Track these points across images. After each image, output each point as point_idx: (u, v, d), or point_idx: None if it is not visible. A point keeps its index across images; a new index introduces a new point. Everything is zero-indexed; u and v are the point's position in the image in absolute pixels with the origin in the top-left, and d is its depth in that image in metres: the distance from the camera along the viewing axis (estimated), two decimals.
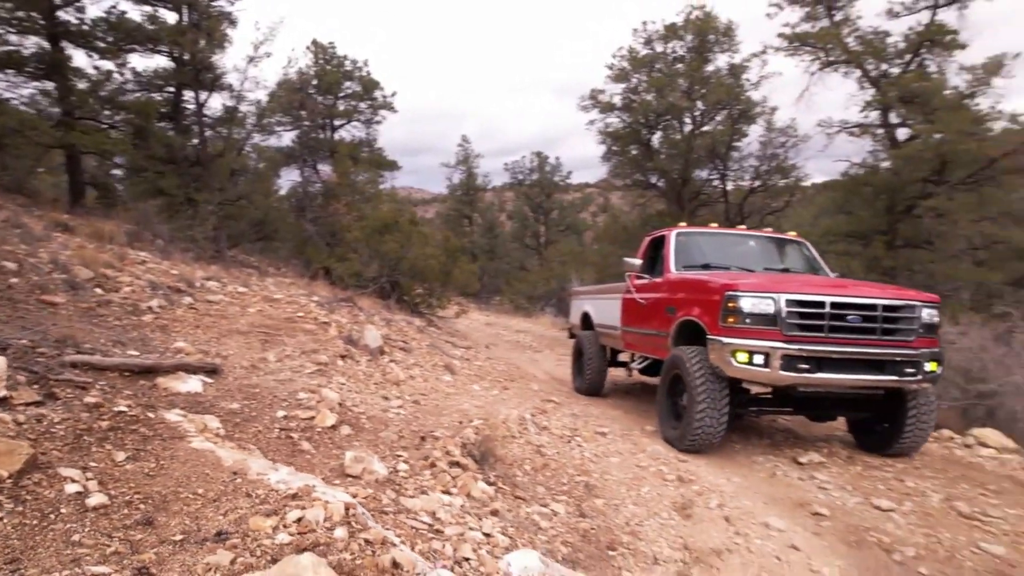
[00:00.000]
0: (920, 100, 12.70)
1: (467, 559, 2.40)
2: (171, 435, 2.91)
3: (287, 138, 23.75)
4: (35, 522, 1.93)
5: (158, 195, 16.79)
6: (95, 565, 1.78)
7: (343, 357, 6.26)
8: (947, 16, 14.23)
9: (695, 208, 21.78)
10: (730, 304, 5.33)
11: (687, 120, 20.41)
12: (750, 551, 3.71)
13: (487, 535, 2.85)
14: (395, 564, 2.01)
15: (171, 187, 15.95)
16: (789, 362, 5.14)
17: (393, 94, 25.64)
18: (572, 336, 10.73)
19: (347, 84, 25.14)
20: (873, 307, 5.34)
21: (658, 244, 7.70)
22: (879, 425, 6.12)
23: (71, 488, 2.14)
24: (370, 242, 15.33)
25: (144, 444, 2.72)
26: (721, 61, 20.03)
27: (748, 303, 5.26)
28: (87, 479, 2.24)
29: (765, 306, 5.24)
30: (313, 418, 3.98)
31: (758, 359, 5.19)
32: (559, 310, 24.88)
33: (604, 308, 8.91)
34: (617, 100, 21.08)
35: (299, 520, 2.10)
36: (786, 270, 7.09)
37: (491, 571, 2.37)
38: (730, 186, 20.35)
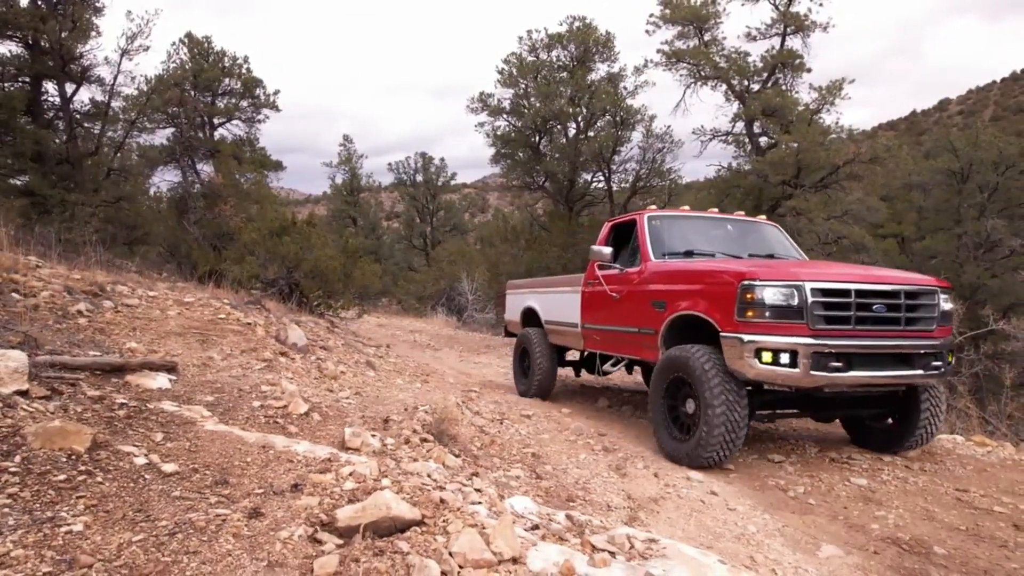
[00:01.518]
0: (778, 114, 14.40)
1: (479, 502, 2.85)
2: (183, 421, 3.12)
3: (163, 136, 22.53)
4: (131, 485, 2.17)
5: (22, 196, 15.49)
6: (211, 509, 2.07)
7: (282, 354, 6.42)
8: (795, 43, 16.18)
9: (581, 209, 23.03)
10: (748, 295, 4.59)
11: (573, 125, 21.59)
12: (680, 497, 4.41)
13: (478, 490, 3.32)
14: (442, 501, 2.44)
15: (40, 187, 14.79)
16: (819, 360, 4.47)
17: (276, 92, 24.99)
18: (509, 334, 9.92)
19: (227, 81, 24.19)
20: (896, 294, 4.82)
21: (623, 231, 6.98)
22: (881, 422, 5.74)
23: (140, 460, 2.37)
24: (267, 244, 15.04)
25: (167, 428, 2.93)
26: (602, 70, 21.39)
27: (770, 294, 4.55)
28: (146, 454, 2.46)
29: (789, 297, 4.55)
30: (287, 406, 4.23)
31: (784, 358, 4.50)
32: (450, 309, 25.29)
33: (556, 303, 8.04)
34: (506, 104, 21.91)
35: (351, 474, 2.46)
36: (771, 255, 6.38)
37: (500, 509, 2.84)
38: (614, 187, 21.75)
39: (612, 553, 2.55)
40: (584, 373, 8.76)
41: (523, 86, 21.38)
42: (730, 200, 15.79)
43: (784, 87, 17.31)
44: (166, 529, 1.99)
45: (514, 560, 2.26)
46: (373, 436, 3.71)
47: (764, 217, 7.46)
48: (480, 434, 5.48)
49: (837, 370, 4.52)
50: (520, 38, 21.47)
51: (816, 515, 4.30)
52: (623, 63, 21.26)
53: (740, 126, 17.57)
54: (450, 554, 2.20)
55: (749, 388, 5.04)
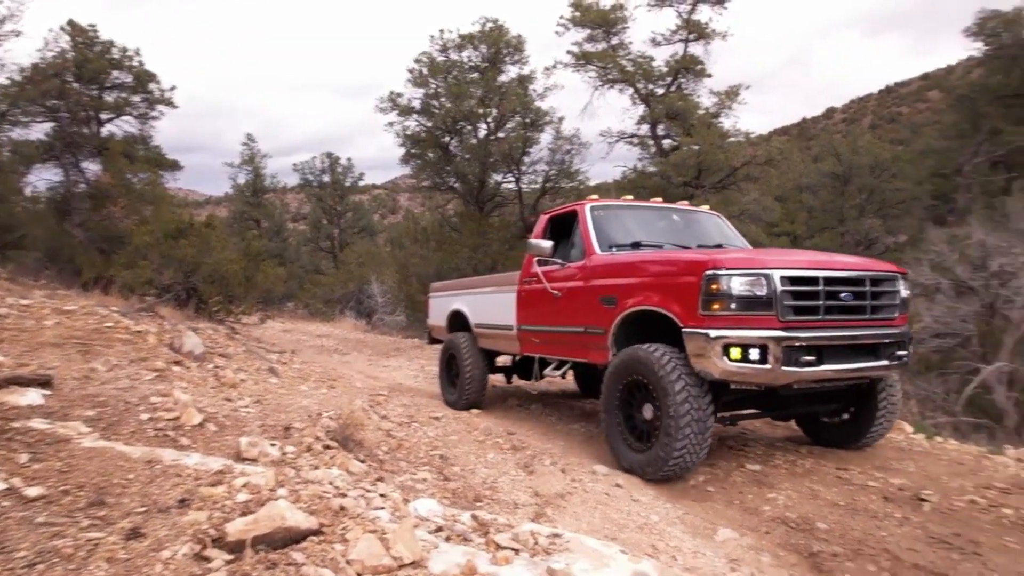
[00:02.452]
0: (681, 117, 15.00)
1: (381, 507, 2.79)
2: (54, 439, 2.88)
3: (41, 131, 20.80)
4: None
5: None
6: (82, 533, 1.91)
7: (176, 363, 6.07)
8: (697, 49, 16.91)
9: (491, 209, 23.13)
10: (713, 286, 4.21)
11: (483, 126, 21.64)
12: (586, 491, 4.50)
13: (383, 495, 3.25)
14: (342, 508, 2.37)
15: None
16: (790, 355, 4.17)
17: (172, 88, 23.62)
18: (434, 341, 9.22)
19: (116, 74, 22.64)
20: (862, 281, 4.63)
21: (562, 223, 6.45)
22: (836, 417, 5.54)
23: None
24: (162, 247, 14.21)
25: (35, 448, 2.69)
26: (513, 72, 21.56)
27: (738, 284, 4.20)
28: (6, 478, 2.25)
29: (757, 286, 4.21)
30: (179, 417, 4.00)
31: (754, 354, 4.16)
32: (359, 312, 24.76)
33: (487, 304, 7.44)
34: (416, 104, 21.70)
35: (245, 485, 2.35)
36: (719, 246, 6.04)
37: (404, 513, 2.79)
38: (524, 188, 21.97)
39: (516, 550, 2.56)
40: (517, 379, 8.23)
41: (434, 86, 21.24)
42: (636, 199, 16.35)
43: (686, 91, 18.10)
44: (24, 560, 1.81)
45: (415, 564, 2.23)
46: (272, 445, 3.57)
47: (708, 207, 7.10)
48: (387, 438, 5.39)
49: (809, 364, 4.22)
50: (432, 37, 21.33)
51: (714, 501, 4.50)
52: (533, 66, 21.50)
53: (645, 128, 18.22)
54: (347, 562, 2.14)
55: (724, 388, 4.74)
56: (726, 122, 16.75)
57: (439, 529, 2.73)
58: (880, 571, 3.42)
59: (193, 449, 3.50)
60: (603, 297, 5.25)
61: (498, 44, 20.83)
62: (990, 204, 15.32)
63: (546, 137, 20.95)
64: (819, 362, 4.28)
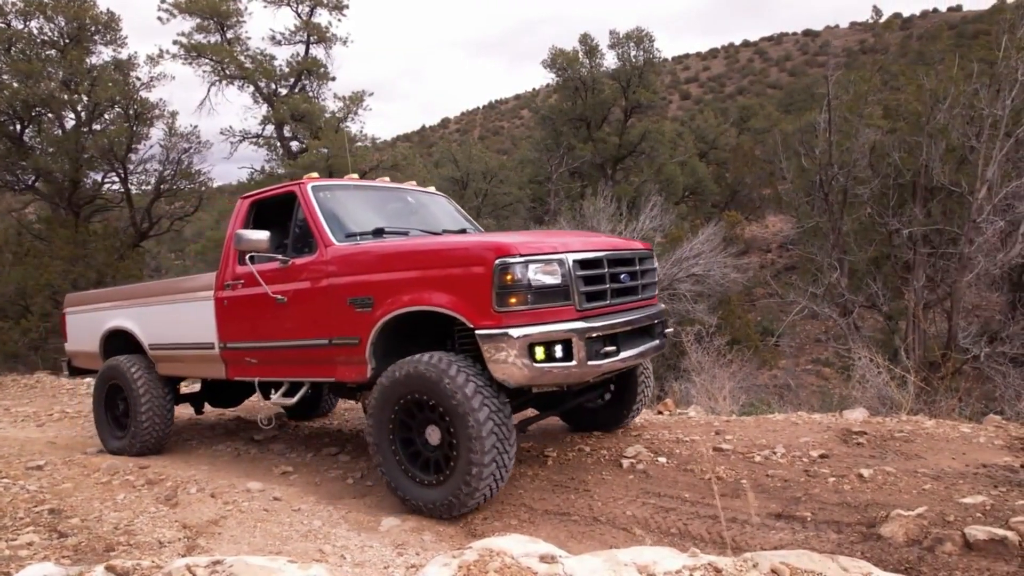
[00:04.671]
0: (307, 119, 14.87)
1: None
2: None
3: None
4: None
5: None
6: None
7: None
8: (319, 52, 16.96)
9: (92, 214, 19.78)
10: (507, 277, 3.61)
11: (71, 115, 18.24)
12: (242, 512, 4.20)
13: None
14: None
15: None
16: (591, 347, 3.76)
17: None
18: (79, 372, 7.34)
19: None
20: (633, 260, 4.41)
21: (271, 209, 5.28)
22: (591, 402, 5.33)
23: None
24: None
25: None
26: (106, 54, 18.62)
27: (534, 272, 3.66)
28: None
29: (553, 274, 3.73)
30: None
31: (558, 351, 3.66)
32: None
33: (168, 319, 5.85)
34: None
35: None
36: (464, 231, 5.44)
37: None
38: (133, 190, 19.22)
39: None
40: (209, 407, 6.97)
41: None
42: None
43: (311, 94, 17.97)
44: None
45: None
46: None
47: (434, 188, 6.36)
48: None
49: (609, 355, 3.87)
50: None
51: (374, 495, 4.63)
52: (134, 49, 18.85)
53: (271, 129, 17.55)
54: None
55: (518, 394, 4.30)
56: (353, 127, 17.22)
57: None
58: (521, 522, 3.96)
59: None
60: (354, 299, 4.26)
61: (81, 18, 17.71)
62: (572, 207, 18.90)
63: (157, 133, 18.65)
64: (617, 351, 3.95)
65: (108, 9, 18.34)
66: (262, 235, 4.66)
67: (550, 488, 4.42)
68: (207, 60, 16.20)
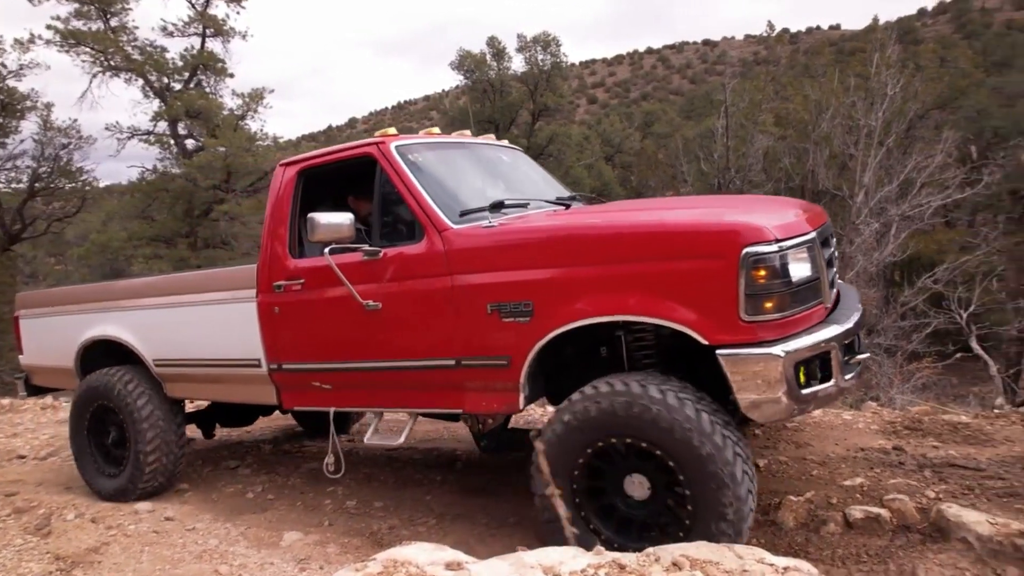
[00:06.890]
0: (204, 116, 14.13)
1: None
2: None
3: None
4: None
5: None
6: None
7: None
8: (216, 46, 16.16)
9: None
10: (760, 272, 2.59)
11: None
12: (127, 536, 3.92)
13: None
14: None
15: None
16: (840, 357, 2.82)
17: None
18: (39, 391, 5.76)
19: None
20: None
21: (331, 182, 4.15)
22: None
23: None
24: None
25: None
26: None
27: (792, 262, 2.67)
28: None
29: (806, 262, 2.74)
30: None
31: (818, 368, 2.74)
32: None
33: (185, 324, 4.38)
34: None
35: None
36: (574, 198, 4.25)
37: None
38: (3, 188, 17.62)
39: None
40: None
41: None
42: (159, 204, 14.76)
43: (208, 90, 17.06)
44: None
45: None
46: None
47: (507, 141, 4.88)
48: None
49: (852, 366, 2.97)
50: None
51: (276, 509, 4.43)
52: (1, 34, 17.23)
53: (163, 126, 16.53)
54: None
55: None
56: (253, 125, 16.47)
57: None
58: (429, 529, 3.90)
59: None
60: (499, 304, 3.12)
61: None
62: None
63: (30, 126, 17.16)
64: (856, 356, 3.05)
65: None
66: (343, 218, 3.34)
67: (459, 492, 4.39)
68: (87, 49, 15.02)
